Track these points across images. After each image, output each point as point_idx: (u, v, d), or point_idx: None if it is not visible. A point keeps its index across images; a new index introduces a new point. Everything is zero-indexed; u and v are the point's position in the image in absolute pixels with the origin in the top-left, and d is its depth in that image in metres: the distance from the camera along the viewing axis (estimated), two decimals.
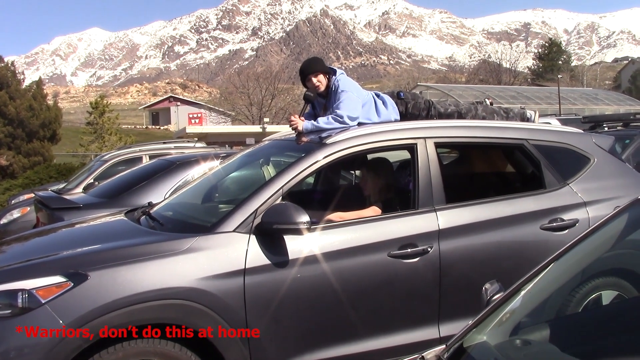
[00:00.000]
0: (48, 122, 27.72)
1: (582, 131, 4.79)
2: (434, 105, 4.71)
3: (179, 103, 76.54)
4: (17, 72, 29.15)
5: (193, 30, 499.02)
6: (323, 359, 3.60)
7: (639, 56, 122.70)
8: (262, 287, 3.44)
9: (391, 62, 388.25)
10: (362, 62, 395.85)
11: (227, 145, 17.46)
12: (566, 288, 2.99)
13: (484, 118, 4.74)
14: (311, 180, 5.15)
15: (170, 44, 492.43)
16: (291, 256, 3.51)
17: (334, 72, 4.61)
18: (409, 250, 3.71)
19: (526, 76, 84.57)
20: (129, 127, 64.79)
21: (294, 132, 4.56)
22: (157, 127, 73.41)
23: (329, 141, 3.94)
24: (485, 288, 2.52)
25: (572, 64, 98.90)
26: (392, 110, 4.57)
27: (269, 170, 5.10)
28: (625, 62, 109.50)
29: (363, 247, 3.66)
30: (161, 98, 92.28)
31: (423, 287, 3.79)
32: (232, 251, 3.46)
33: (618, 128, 9.78)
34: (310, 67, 4.61)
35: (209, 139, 29.18)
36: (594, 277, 3.70)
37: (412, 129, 4.12)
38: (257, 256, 3.46)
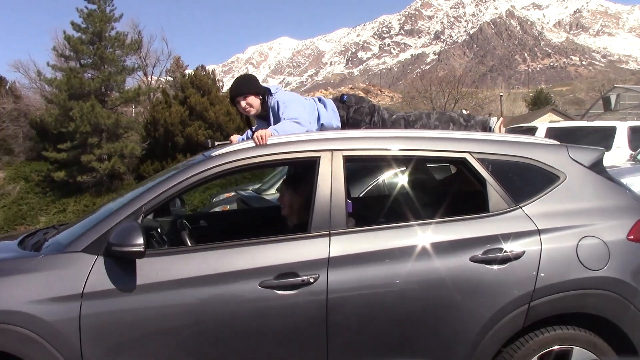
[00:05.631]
0: (242, 126, 29.70)
1: (556, 142, 3.86)
2: (378, 111, 4.28)
3: None
4: (216, 79, 31.62)
5: (376, 36, 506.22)
6: None
7: None
8: (100, 315, 3.03)
9: (583, 63, 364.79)
10: (551, 64, 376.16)
11: None
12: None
13: (436, 127, 4.21)
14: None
15: (353, 50, 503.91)
16: (140, 282, 3.07)
17: (269, 91, 4.18)
18: (286, 280, 3.14)
19: None
20: None
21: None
22: None
23: (213, 154, 3.52)
24: None
25: None
26: (332, 114, 4.21)
27: None
28: None
29: (230, 275, 3.14)
30: None
31: (305, 324, 3.17)
32: (72, 273, 3.08)
33: None
34: (238, 89, 4.16)
35: None
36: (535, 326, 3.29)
37: (316, 141, 3.56)
38: (99, 280, 3.06)
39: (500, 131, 4.23)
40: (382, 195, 4.79)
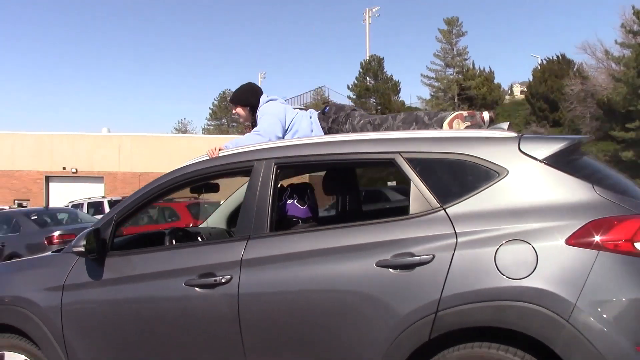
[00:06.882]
0: None
1: (510, 134, 3.33)
2: (351, 118, 4.30)
3: None
4: None
5: None
6: None
7: None
8: (73, 303, 3.82)
9: None
10: None
11: None
12: None
13: (398, 128, 4.06)
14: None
15: None
16: (105, 277, 3.79)
17: (256, 104, 4.54)
18: (205, 279, 3.52)
19: None
20: None
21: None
22: None
23: (178, 167, 4.04)
24: None
25: None
26: (316, 128, 4.37)
27: None
28: None
29: (165, 273, 3.67)
30: None
31: (220, 321, 3.50)
32: (61, 268, 3.93)
33: None
34: (231, 98, 4.76)
35: None
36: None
37: (252, 151, 3.89)
38: (76, 274, 3.86)
39: (450, 127, 3.87)
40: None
